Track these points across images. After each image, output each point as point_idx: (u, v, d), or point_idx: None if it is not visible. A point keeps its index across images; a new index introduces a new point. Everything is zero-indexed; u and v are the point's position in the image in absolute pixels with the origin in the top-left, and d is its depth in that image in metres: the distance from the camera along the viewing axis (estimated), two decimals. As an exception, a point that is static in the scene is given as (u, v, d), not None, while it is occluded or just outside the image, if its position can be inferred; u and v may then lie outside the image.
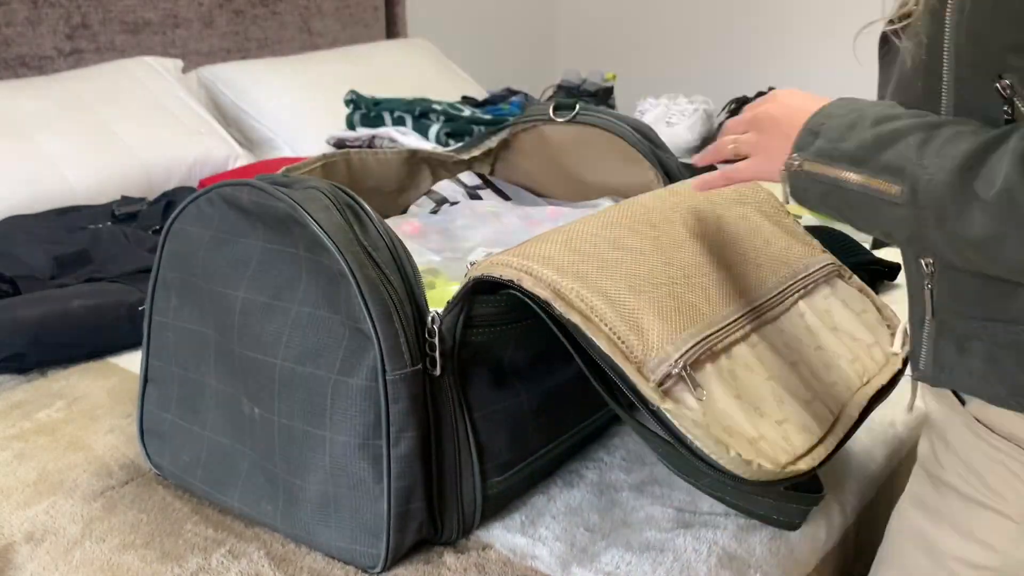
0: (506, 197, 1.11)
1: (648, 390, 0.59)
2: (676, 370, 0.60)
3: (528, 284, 0.62)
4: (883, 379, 0.76)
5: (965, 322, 0.61)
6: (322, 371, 0.67)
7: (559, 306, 0.61)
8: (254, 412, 0.71)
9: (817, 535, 0.75)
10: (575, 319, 0.60)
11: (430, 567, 0.69)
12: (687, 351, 0.62)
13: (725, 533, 0.72)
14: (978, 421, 0.62)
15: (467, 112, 1.83)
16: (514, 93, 2.19)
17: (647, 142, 1.03)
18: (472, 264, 0.67)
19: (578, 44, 3.26)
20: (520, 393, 0.73)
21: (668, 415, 0.59)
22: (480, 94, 2.33)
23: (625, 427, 0.88)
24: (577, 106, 1.07)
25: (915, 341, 0.66)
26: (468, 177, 1.11)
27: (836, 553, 0.79)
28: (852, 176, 0.57)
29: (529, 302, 0.63)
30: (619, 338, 0.61)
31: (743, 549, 0.71)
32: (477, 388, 0.70)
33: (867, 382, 0.74)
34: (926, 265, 0.62)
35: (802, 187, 0.61)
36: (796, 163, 0.60)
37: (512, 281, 0.62)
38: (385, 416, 0.65)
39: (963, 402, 0.64)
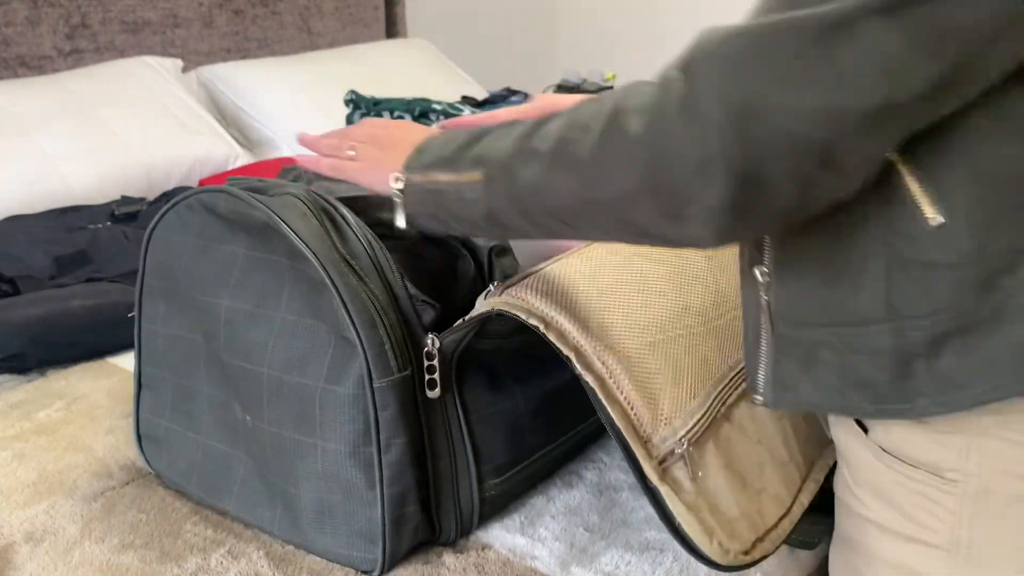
0: None
1: (649, 469, 0.60)
2: (680, 449, 0.61)
3: (552, 337, 0.62)
4: None
5: (810, 331, 0.56)
6: (309, 380, 0.67)
7: (579, 365, 0.61)
8: (246, 419, 0.71)
9: (817, 535, 0.75)
10: (592, 383, 0.61)
11: (429, 567, 0.69)
12: (694, 425, 0.63)
13: (725, 533, 0.72)
14: (884, 451, 0.57)
15: (467, 112, 1.83)
16: (514, 93, 2.19)
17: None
18: (493, 286, 0.67)
19: (578, 44, 3.26)
20: (516, 395, 0.73)
21: (665, 499, 0.59)
22: (480, 94, 2.33)
23: (625, 427, 0.88)
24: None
25: (751, 363, 0.61)
26: None
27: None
28: (444, 177, 0.60)
29: (553, 348, 0.63)
30: (632, 408, 0.61)
31: (743, 549, 0.71)
32: (473, 391, 0.70)
33: None
34: (761, 275, 0.58)
35: (409, 201, 0.64)
36: (401, 178, 0.63)
37: (538, 328, 0.63)
38: (375, 423, 0.65)
39: (865, 430, 0.59)
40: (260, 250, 0.68)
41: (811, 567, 0.75)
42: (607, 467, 0.82)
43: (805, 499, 0.67)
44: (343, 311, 0.63)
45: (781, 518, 0.64)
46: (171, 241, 0.74)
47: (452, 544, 0.72)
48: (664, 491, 0.59)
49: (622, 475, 0.80)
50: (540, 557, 0.70)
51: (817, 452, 0.71)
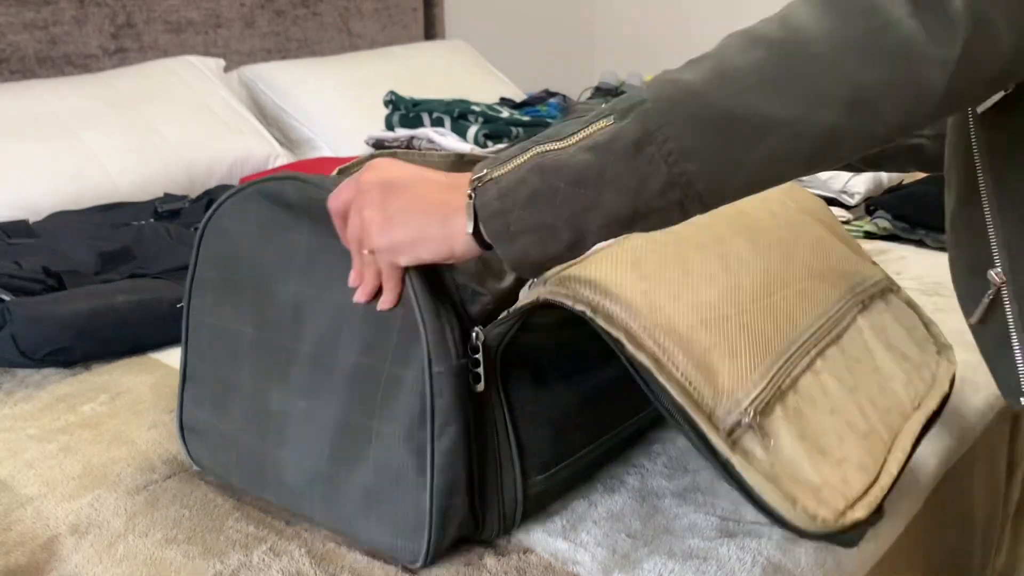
0: None
1: (719, 442, 0.58)
2: (746, 419, 0.60)
3: (601, 321, 0.61)
4: (933, 403, 0.74)
5: None
6: (375, 362, 0.67)
7: (631, 347, 0.60)
8: (297, 406, 0.71)
9: (865, 546, 0.74)
10: (646, 362, 0.60)
11: (470, 569, 0.68)
12: (757, 396, 0.62)
13: (769, 543, 0.71)
14: None
15: (505, 113, 1.83)
16: (552, 95, 2.18)
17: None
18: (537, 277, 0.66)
19: (616, 46, 3.25)
20: (561, 392, 0.73)
21: (738, 468, 0.58)
22: (518, 95, 2.33)
23: (667, 432, 0.87)
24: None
25: (1001, 365, 0.59)
26: None
27: (883, 565, 0.78)
28: (555, 145, 0.50)
29: (603, 335, 0.62)
30: (691, 384, 0.60)
31: (788, 560, 0.70)
32: (517, 386, 0.70)
33: (919, 406, 0.72)
34: (997, 276, 0.58)
35: (500, 224, 0.52)
36: (479, 182, 0.53)
37: (584, 313, 0.62)
38: (430, 409, 0.65)
39: None
40: (326, 234, 0.69)
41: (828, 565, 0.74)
42: (649, 473, 0.81)
43: (893, 468, 0.66)
44: (412, 294, 0.64)
45: (869, 486, 0.63)
46: (229, 231, 0.75)
47: (492, 544, 0.71)
48: (736, 461, 0.58)
49: (664, 481, 0.79)
50: (582, 563, 0.69)
51: (900, 423, 0.70)
